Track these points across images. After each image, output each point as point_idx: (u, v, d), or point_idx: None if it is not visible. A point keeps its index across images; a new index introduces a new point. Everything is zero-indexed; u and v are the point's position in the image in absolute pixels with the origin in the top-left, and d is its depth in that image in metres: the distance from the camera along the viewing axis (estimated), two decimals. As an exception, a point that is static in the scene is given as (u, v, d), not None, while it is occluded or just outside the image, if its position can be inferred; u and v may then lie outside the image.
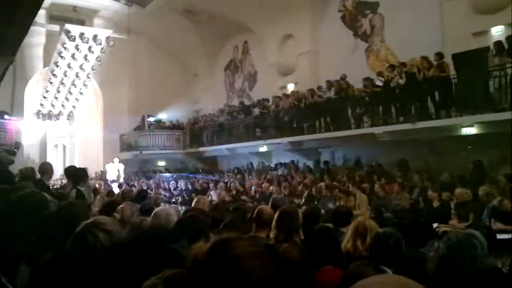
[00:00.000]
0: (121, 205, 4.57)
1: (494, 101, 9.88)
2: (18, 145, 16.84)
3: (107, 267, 1.87)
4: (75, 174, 5.98)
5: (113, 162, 18.57)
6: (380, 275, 0.91)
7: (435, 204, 9.29)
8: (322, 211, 6.14)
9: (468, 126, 10.31)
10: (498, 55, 9.76)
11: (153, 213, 3.93)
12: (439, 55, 10.77)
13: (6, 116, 17.05)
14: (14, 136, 17.03)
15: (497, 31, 11.58)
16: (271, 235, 3.67)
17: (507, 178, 8.96)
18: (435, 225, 8.60)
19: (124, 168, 19.16)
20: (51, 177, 6.68)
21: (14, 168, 8.05)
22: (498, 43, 9.91)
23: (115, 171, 18.13)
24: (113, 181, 17.69)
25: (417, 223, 3.39)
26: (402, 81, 11.54)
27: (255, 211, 4.12)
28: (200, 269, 1.07)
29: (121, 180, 17.91)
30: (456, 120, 10.48)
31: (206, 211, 5.25)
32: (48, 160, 20.47)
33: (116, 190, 12.55)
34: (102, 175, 19.13)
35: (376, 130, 12.01)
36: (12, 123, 17.14)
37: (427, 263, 2.96)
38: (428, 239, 3.56)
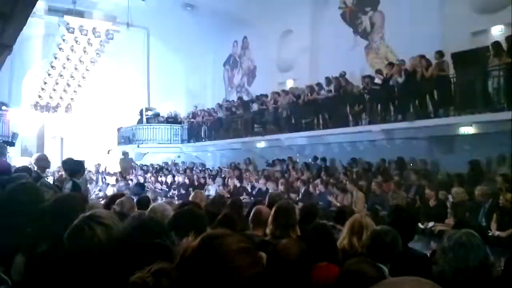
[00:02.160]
0: (121, 198, 4.57)
1: (493, 101, 9.89)
2: (15, 137, 16.82)
3: (104, 261, 1.86)
4: (72, 167, 5.97)
5: (108, 154, 18.65)
6: (410, 277, 0.90)
7: (432, 203, 9.32)
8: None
9: (466, 125, 10.32)
10: (496, 55, 9.76)
11: (149, 208, 3.94)
12: (440, 54, 10.76)
13: (3, 107, 17.04)
14: (12, 127, 17.01)
15: (497, 31, 11.58)
16: (267, 231, 3.67)
17: (504, 178, 8.98)
18: (431, 224, 8.67)
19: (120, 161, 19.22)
20: (47, 169, 6.67)
21: (11, 160, 8.04)
22: (496, 44, 9.91)
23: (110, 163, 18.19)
24: (108, 173, 17.75)
25: (400, 219, 3.40)
26: (401, 79, 11.54)
27: (253, 211, 4.17)
28: (189, 265, 1.06)
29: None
30: (454, 119, 10.49)
31: (202, 206, 5.26)
32: (46, 152, 20.40)
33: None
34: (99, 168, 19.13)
35: (374, 128, 12.02)
36: (10, 114, 17.12)
37: (420, 260, 2.98)
38: (413, 234, 3.58)
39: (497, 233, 7.40)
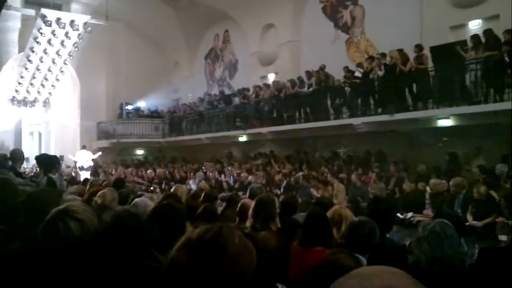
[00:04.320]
0: (102, 190, 4.50)
1: (470, 94, 10.07)
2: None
3: (79, 257, 1.83)
4: (47, 162, 5.86)
5: (84, 149, 18.47)
6: (386, 267, 0.89)
7: (411, 194, 9.48)
8: (299, 200, 6.19)
9: (444, 118, 10.50)
10: (474, 48, 9.92)
11: (132, 203, 3.91)
12: (419, 47, 10.89)
13: (-21, 102, 16.62)
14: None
15: (475, 25, 11.77)
16: (248, 223, 3.68)
17: (480, 170, 9.18)
18: (409, 214, 8.82)
19: (100, 156, 19.00)
20: (22, 164, 6.55)
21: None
22: (475, 36, 10.06)
23: (84, 158, 18.00)
24: (82, 168, 17.55)
25: (378, 210, 3.45)
26: (381, 73, 11.65)
27: (239, 205, 4.22)
28: (184, 267, 1.05)
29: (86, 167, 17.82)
30: (432, 112, 10.67)
31: (182, 200, 5.25)
32: (24, 147, 20.09)
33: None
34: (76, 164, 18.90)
35: (355, 121, 12.12)
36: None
37: (398, 250, 3.02)
38: (391, 224, 3.64)
39: (473, 222, 7.57)
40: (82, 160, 17.88)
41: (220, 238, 1.06)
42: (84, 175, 15.77)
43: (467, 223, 7.21)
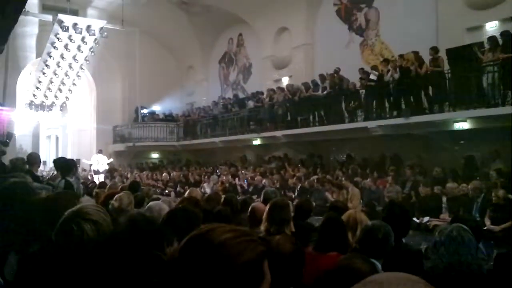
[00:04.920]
0: (119, 194, 4.55)
1: (487, 96, 9.92)
2: (10, 136, 16.70)
3: (95, 258, 1.85)
4: (64, 165, 5.95)
5: (100, 153, 18.74)
6: (401, 274, 0.89)
7: (427, 198, 9.36)
8: (314, 204, 6.15)
9: (461, 121, 10.36)
10: (491, 50, 9.78)
11: (147, 207, 3.93)
12: (434, 50, 10.78)
13: (-2, 107, 16.91)
14: (6, 126, 16.90)
15: (491, 27, 11.61)
16: (262, 227, 3.67)
17: (498, 173, 9.03)
18: (426, 219, 8.71)
19: (116, 160, 19.24)
20: (39, 167, 6.66)
21: (6, 159, 8.00)
22: (492, 39, 9.92)
23: (100, 162, 18.27)
24: (98, 172, 17.77)
25: (393, 215, 3.42)
26: (396, 76, 11.56)
27: (249, 210, 4.19)
28: (178, 263, 1.06)
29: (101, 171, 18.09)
30: (449, 115, 10.52)
31: (198, 201, 5.25)
32: (41, 151, 20.42)
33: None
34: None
35: (370, 124, 12.04)
36: (4, 113, 17.00)
37: (413, 255, 2.99)
38: (407, 229, 3.59)
39: (491, 227, 7.45)
40: (97, 163, 18.12)
41: (206, 233, 1.07)
42: (99, 178, 15.98)
43: (485, 228, 7.10)
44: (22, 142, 20.58)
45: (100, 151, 19.24)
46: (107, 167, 18.41)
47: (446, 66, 10.62)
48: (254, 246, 1.07)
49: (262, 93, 16.96)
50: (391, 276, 0.87)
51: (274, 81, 18.55)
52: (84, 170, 18.68)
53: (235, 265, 1.02)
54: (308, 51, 17.47)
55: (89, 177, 16.79)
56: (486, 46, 10.00)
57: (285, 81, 18.09)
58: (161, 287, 1.25)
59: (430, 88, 10.98)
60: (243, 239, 1.06)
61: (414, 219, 8.35)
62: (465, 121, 10.29)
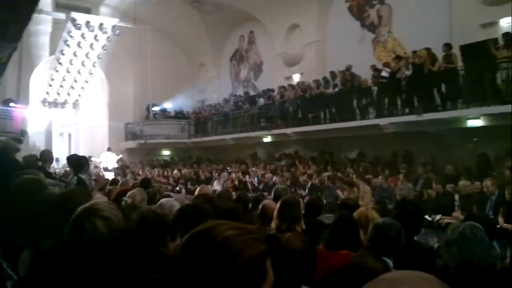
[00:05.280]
0: (132, 191, 4.58)
1: (501, 93, 9.78)
2: (24, 133, 16.96)
3: (107, 255, 1.87)
4: (77, 162, 6.02)
5: (109, 151, 19.03)
6: (413, 272, 0.88)
7: (439, 196, 9.28)
8: (325, 202, 6.14)
9: (474, 118, 10.23)
10: (506, 46, 9.65)
11: (158, 203, 3.96)
12: (448, 46, 10.66)
13: (12, 104, 17.16)
14: (20, 124, 17.14)
15: (506, 23, 11.43)
16: (273, 225, 3.67)
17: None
18: (438, 216, 8.63)
19: (128, 157, 19.45)
20: (51, 164, 6.75)
21: (20, 156, 8.10)
22: (506, 35, 9.78)
23: (109, 160, 18.54)
24: (107, 169, 18.00)
25: (405, 212, 3.39)
26: (408, 72, 11.46)
27: (260, 207, 4.19)
28: (180, 261, 1.05)
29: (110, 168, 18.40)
30: (462, 112, 10.40)
31: (212, 198, 5.26)
32: (54, 148, 20.63)
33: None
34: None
35: (382, 121, 11.95)
36: (18, 110, 17.24)
37: (425, 253, 2.96)
38: (419, 227, 3.56)
39: (504, 225, 7.35)
40: (107, 161, 18.35)
41: (209, 229, 1.06)
42: (108, 175, 16.19)
43: (498, 226, 7.01)
44: (36, 139, 20.80)
45: (109, 149, 19.47)
46: (116, 165, 18.61)
47: (460, 63, 10.50)
48: (257, 244, 1.06)
49: (273, 90, 16.94)
50: (402, 274, 0.86)
51: (285, 78, 18.50)
52: (96, 167, 18.85)
53: (237, 263, 1.01)
54: (319, 48, 17.39)
55: (101, 174, 16.96)
56: (501, 42, 9.86)
57: (296, 78, 18.04)
58: (163, 283, 1.25)
59: (443, 85, 10.87)
60: (247, 237, 1.06)
61: (426, 216, 8.28)
62: (479, 118, 10.16)
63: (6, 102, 17.27)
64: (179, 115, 22.55)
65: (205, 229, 1.07)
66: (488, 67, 9.96)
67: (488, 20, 11.79)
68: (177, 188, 15.53)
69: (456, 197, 8.94)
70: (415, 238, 3.46)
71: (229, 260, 1.01)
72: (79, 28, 17.11)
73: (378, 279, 0.86)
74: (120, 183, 7.52)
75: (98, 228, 1.86)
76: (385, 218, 3.13)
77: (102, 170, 18.14)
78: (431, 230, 8.01)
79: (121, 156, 19.71)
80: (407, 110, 11.58)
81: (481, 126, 10.25)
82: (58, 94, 20.24)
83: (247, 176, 14.97)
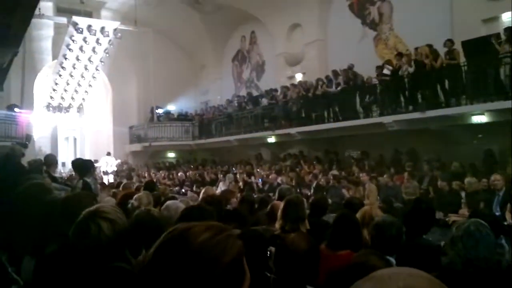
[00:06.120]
0: (138, 194, 4.60)
1: (505, 88, 9.72)
2: (29, 138, 17.01)
3: (111, 255, 1.88)
4: (82, 166, 6.04)
5: (108, 155, 19.24)
6: (407, 269, 0.87)
7: (445, 193, 9.23)
8: (330, 201, 6.12)
9: (479, 114, 10.18)
10: (508, 41, 9.59)
11: (164, 205, 3.97)
12: (450, 42, 10.61)
13: (16, 109, 17.22)
14: (25, 129, 17.20)
15: (508, 17, 11.37)
16: (277, 225, 3.67)
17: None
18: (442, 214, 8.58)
19: (133, 160, 19.56)
20: (56, 168, 6.78)
21: (25, 161, 8.14)
22: (508, 29, 9.72)
23: (109, 164, 18.73)
24: (106, 173, 18.12)
25: (419, 210, 3.38)
26: (411, 69, 11.42)
27: (269, 206, 4.21)
28: (150, 272, 0.98)
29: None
30: (466, 108, 10.35)
31: (219, 200, 5.25)
32: (60, 152, 20.73)
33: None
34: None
35: (385, 119, 11.91)
36: (23, 116, 17.30)
37: (433, 251, 2.95)
38: (431, 225, 3.55)
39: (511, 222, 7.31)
40: (106, 165, 18.52)
41: (182, 234, 1.00)
42: (105, 180, 16.46)
43: (505, 222, 6.97)
44: (41, 144, 20.89)
45: (108, 153, 19.68)
46: (115, 169, 18.79)
47: (462, 59, 10.45)
48: (233, 242, 1.02)
49: (276, 90, 16.93)
50: (391, 271, 0.85)
51: (288, 78, 18.50)
52: (102, 171, 18.95)
53: (218, 267, 0.96)
54: (321, 47, 17.37)
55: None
56: (503, 37, 9.80)
57: (298, 77, 18.03)
58: None
59: (446, 81, 10.82)
60: (221, 236, 1.01)
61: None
62: (483, 114, 10.10)
63: (10, 108, 17.33)
64: (182, 117, 22.59)
65: (177, 235, 1.01)
66: (491, 63, 9.90)
67: (489, 15, 11.74)
68: (183, 190, 15.54)
69: (463, 194, 8.89)
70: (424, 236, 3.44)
71: (210, 265, 0.96)
72: (80, 32, 17.16)
73: (367, 277, 0.85)
74: (122, 185, 7.54)
75: (103, 229, 1.87)
76: (386, 217, 3.12)
77: (101, 173, 18.25)
78: (437, 228, 7.98)
79: (119, 161, 19.89)
80: (410, 107, 11.54)
81: (485, 122, 10.19)
82: (62, 98, 20.32)
83: (252, 177, 14.96)
